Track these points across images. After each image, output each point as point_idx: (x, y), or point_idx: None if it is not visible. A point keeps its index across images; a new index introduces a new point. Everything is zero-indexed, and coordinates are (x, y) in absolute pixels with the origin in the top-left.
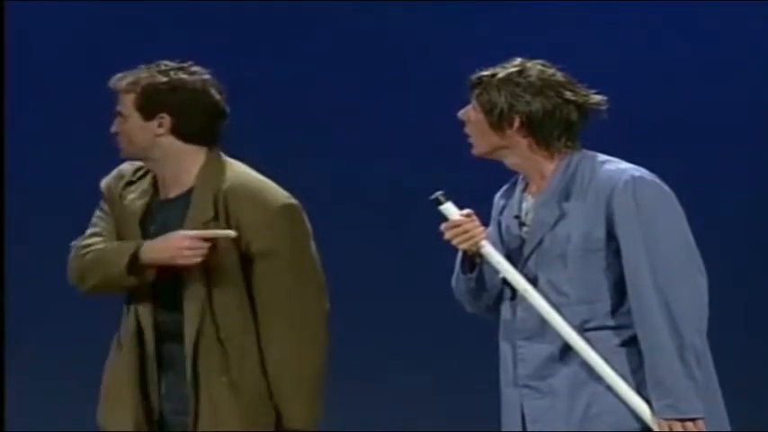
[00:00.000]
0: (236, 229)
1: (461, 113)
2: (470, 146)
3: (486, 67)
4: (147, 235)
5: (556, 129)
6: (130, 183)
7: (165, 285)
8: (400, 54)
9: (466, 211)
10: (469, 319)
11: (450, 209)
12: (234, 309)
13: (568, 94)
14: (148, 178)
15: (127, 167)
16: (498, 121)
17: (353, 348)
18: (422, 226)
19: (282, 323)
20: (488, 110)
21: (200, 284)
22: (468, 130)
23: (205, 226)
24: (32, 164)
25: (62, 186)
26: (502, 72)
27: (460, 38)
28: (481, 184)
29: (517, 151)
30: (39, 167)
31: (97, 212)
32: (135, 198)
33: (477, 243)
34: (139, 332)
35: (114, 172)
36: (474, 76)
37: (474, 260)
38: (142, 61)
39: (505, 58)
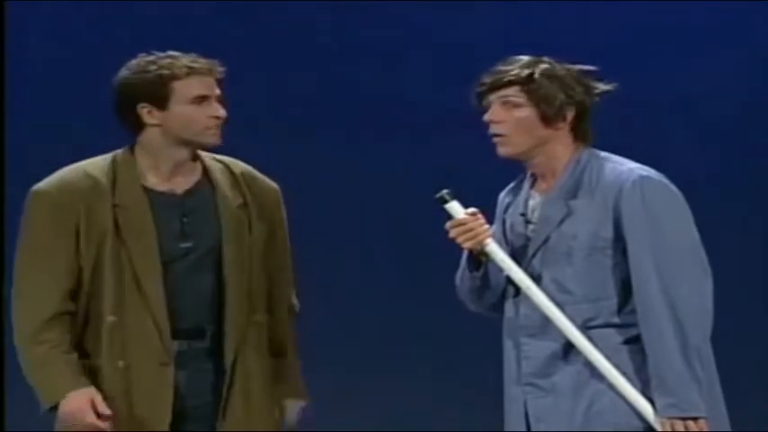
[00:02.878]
0: (260, 210)
1: (493, 115)
2: (495, 146)
3: (494, 64)
4: (181, 229)
5: (587, 120)
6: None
7: (189, 284)
8: (402, 53)
9: (471, 209)
10: (473, 317)
11: (454, 207)
12: (264, 292)
13: (591, 87)
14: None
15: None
16: (556, 113)
17: (357, 347)
18: (427, 224)
19: (285, 303)
20: (548, 102)
21: (242, 270)
22: (502, 129)
23: (239, 209)
24: (33, 164)
25: None
26: (541, 66)
27: (465, 36)
28: (490, 183)
29: (558, 144)
30: (39, 167)
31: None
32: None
33: (481, 242)
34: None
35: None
36: (513, 73)
37: (480, 259)
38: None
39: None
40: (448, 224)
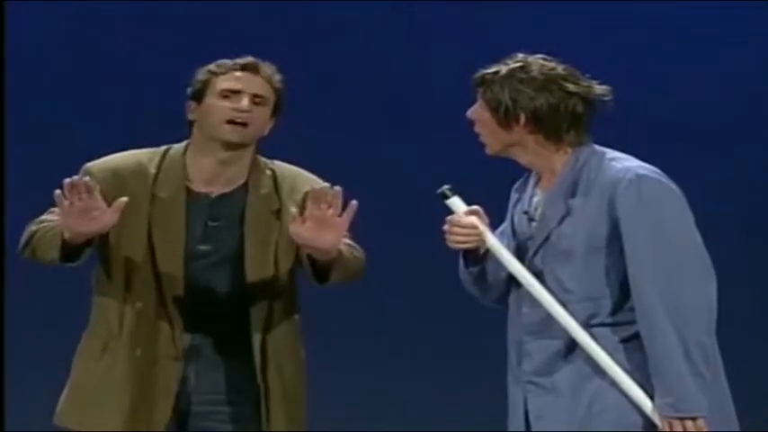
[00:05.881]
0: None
1: (470, 113)
2: (482, 145)
3: (490, 63)
4: (203, 231)
5: (563, 122)
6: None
7: (207, 284)
8: (403, 51)
9: (473, 207)
10: (475, 315)
11: (456, 203)
12: (292, 293)
13: (571, 87)
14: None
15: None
16: (505, 118)
17: (357, 346)
18: (433, 219)
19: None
20: (494, 108)
21: (265, 273)
22: (477, 129)
23: (272, 215)
24: (32, 163)
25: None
26: (504, 69)
27: (466, 34)
28: (495, 178)
29: (528, 148)
30: (38, 166)
31: None
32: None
33: (476, 243)
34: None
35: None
36: (477, 75)
37: (477, 254)
38: (142, 61)
39: (509, 53)
40: (446, 224)
